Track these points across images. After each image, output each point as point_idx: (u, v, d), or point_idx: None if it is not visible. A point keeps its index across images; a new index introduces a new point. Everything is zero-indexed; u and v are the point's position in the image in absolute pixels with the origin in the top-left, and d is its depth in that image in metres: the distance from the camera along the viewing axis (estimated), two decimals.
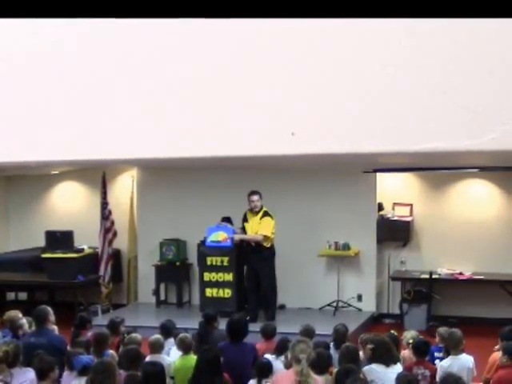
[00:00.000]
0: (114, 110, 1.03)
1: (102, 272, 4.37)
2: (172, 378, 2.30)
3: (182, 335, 2.41)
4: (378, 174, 4.09)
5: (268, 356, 2.28)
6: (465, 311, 4.04)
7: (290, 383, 1.83)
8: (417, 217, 4.23)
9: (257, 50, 0.94)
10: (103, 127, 1.05)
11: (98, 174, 4.40)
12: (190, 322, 3.30)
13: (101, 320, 3.58)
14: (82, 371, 2.04)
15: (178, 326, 2.78)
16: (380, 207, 4.23)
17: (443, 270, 4.04)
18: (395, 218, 4.18)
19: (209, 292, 3.93)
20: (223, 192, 4.28)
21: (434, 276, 3.95)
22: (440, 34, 0.87)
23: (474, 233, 4.11)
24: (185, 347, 2.36)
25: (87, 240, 4.36)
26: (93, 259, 4.36)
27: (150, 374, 1.94)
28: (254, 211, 3.81)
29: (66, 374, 2.17)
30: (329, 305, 4.12)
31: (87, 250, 4.35)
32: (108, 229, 4.41)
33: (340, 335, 2.50)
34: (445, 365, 2.23)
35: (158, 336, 2.51)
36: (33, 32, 1.04)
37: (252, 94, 0.95)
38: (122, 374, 2.01)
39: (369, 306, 4.17)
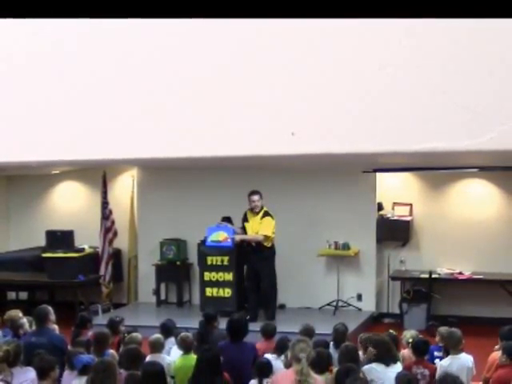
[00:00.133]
0: (113, 110, 1.04)
1: (102, 271, 4.38)
2: (172, 377, 2.31)
3: (183, 334, 2.41)
4: (377, 174, 4.10)
5: (268, 355, 2.29)
6: (464, 311, 4.04)
7: (290, 382, 1.83)
8: (416, 216, 4.24)
9: (257, 50, 0.94)
10: (103, 127, 1.05)
11: (99, 174, 4.40)
12: (191, 322, 3.31)
13: (101, 319, 3.57)
14: (83, 371, 2.04)
15: (178, 326, 2.79)
16: (380, 207, 4.23)
17: (443, 270, 4.05)
18: (395, 218, 4.18)
19: (209, 291, 3.94)
20: (223, 192, 4.28)
21: (433, 275, 3.95)
22: (440, 34, 0.87)
23: (473, 232, 4.12)
24: (186, 346, 2.36)
25: (88, 240, 4.37)
26: (93, 259, 4.37)
27: (150, 374, 1.94)
28: (254, 211, 3.82)
29: (66, 373, 2.17)
30: (329, 304, 4.12)
31: (88, 250, 4.36)
32: (108, 228, 4.41)
33: (340, 335, 2.50)
34: (444, 364, 2.24)
35: (158, 335, 2.51)
36: (33, 32, 1.04)
37: (252, 94, 0.95)
38: (122, 373, 2.02)
39: (368, 305, 4.18)
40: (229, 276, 3.90)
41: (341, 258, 4.14)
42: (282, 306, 4.16)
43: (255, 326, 2.85)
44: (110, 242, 4.42)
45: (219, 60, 0.96)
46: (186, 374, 2.16)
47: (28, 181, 4.80)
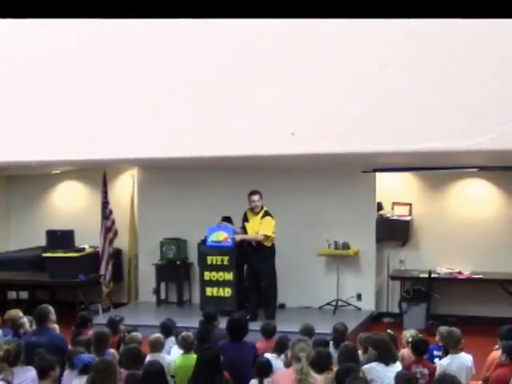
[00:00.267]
0: (113, 110, 1.04)
1: (102, 271, 4.38)
2: (172, 376, 2.31)
3: (184, 334, 2.41)
4: (377, 174, 4.10)
5: (268, 355, 2.29)
6: (464, 310, 4.05)
7: (290, 382, 1.83)
8: (416, 216, 4.24)
9: (257, 50, 0.94)
10: (103, 127, 1.05)
11: (99, 174, 4.40)
12: (191, 321, 3.31)
13: (101, 319, 3.57)
14: (83, 370, 2.05)
15: (178, 325, 2.79)
16: (379, 207, 4.23)
17: (442, 269, 4.06)
18: (394, 218, 4.19)
19: (209, 291, 3.94)
20: (223, 192, 4.28)
21: (433, 275, 3.96)
22: (440, 34, 0.87)
23: (473, 232, 4.12)
24: (186, 346, 2.36)
25: (88, 239, 4.37)
26: (93, 258, 4.37)
27: (150, 373, 1.95)
28: (254, 211, 3.82)
29: (66, 372, 2.17)
30: (328, 304, 4.13)
31: (88, 250, 4.36)
32: (109, 228, 4.41)
33: (339, 334, 2.50)
34: (444, 363, 2.24)
35: (158, 335, 2.51)
36: (33, 32, 1.04)
37: (252, 94, 0.95)
38: (122, 372, 2.02)
39: (368, 305, 4.18)
40: (229, 276, 3.90)
41: (340, 257, 4.14)
42: (282, 306, 4.16)
43: (255, 326, 2.85)
44: (111, 241, 4.42)
45: (219, 60, 0.96)
46: (186, 373, 2.16)
47: (28, 181, 4.80)
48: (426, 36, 0.87)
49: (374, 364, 2.08)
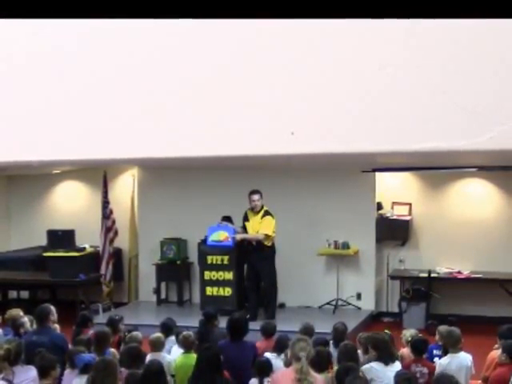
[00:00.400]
0: (113, 110, 1.04)
1: (103, 271, 4.39)
2: (173, 376, 2.32)
3: (185, 333, 2.42)
4: (377, 174, 4.10)
5: (268, 354, 2.30)
6: (463, 310, 4.05)
7: (290, 381, 1.84)
8: (416, 216, 4.25)
9: (257, 50, 0.94)
10: (103, 127, 1.05)
11: (99, 174, 4.41)
12: (191, 321, 3.32)
13: (102, 318, 3.58)
14: (84, 369, 2.05)
15: (178, 325, 2.80)
16: (379, 206, 4.24)
17: (442, 269, 4.06)
18: (394, 217, 4.20)
19: (209, 290, 3.95)
20: (223, 191, 4.29)
21: (432, 275, 3.97)
22: (440, 33, 0.87)
23: (472, 232, 4.13)
24: (187, 345, 2.37)
25: (88, 239, 4.37)
26: (94, 258, 4.38)
27: (150, 373, 1.95)
28: (254, 210, 3.82)
29: (67, 372, 2.18)
30: (328, 303, 4.13)
31: (88, 249, 4.36)
32: (109, 228, 4.42)
33: (339, 333, 2.51)
34: (443, 363, 2.25)
35: (158, 334, 2.52)
36: (33, 32, 1.04)
37: (252, 94, 0.95)
38: (123, 372, 2.03)
39: (368, 304, 4.19)
40: (229, 275, 3.91)
41: (340, 257, 4.15)
42: (282, 305, 4.17)
43: (255, 325, 2.86)
44: (111, 241, 4.43)
45: (219, 60, 0.96)
46: (186, 372, 2.17)
47: (29, 180, 4.80)
48: (426, 36, 0.87)
49: (373, 364, 2.08)
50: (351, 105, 0.91)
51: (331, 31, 0.90)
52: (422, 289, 4.01)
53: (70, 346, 2.40)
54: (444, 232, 4.17)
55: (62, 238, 4.20)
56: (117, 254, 4.57)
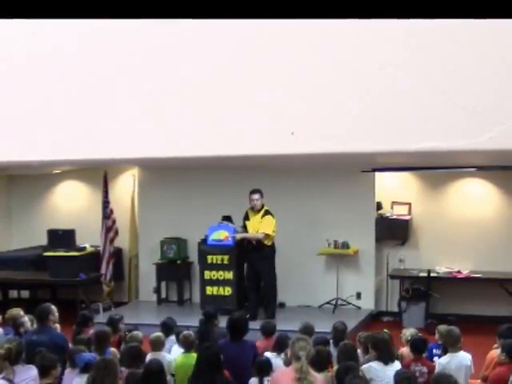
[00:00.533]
0: (113, 110, 1.04)
1: (103, 270, 4.39)
2: (173, 375, 2.32)
3: (185, 332, 2.42)
4: (376, 174, 4.10)
5: (268, 354, 2.30)
6: (463, 309, 4.05)
7: (290, 380, 1.84)
8: (415, 216, 4.25)
9: (257, 50, 0.94)
10: (103, 127, 1.05)
11: (100, 174, 4.40)
12: (191, 320, 3.32)
13: (102, 318, 3.59)
14: (84, 369, 2.05)
15: (178, 324, 2.80)
16: (379, 206, 4.24)
17: (441, 269, 4.07)
18: (394, 217, 4.20)
19: (209, 290, 3.95)
20: (223, 191, 4.29)
21: (432, 274, 3.97)
22: (440, 33, 0.87)
23: (472, 231, 4.13)
24: (187, 345, 2.37)
25: (89, 239, 4.37)
26: (94, 258, 4.38)
27: (150, 372, 1.95)
28: (254, 210, 3.82)
29: (67, 371, 2.18)
30: (328, 303, 4.14)
31: (89, 249, 4.36)
32: (109, 227, 4.42)
33: (339, 333, 2.51)
34: (443, 362, 2.25)
35: (158, 334, 2.52)
36: (33, 32, 1.04)
37: (252, 94, 0.95)
38: (123, 371, 2.03)
39: (368, 303, 4.19)
40: (229, 275, 3.91)
41: (340, 256, 4.15)
42: (282, 305, 4.18)
43: (255, 325, 2.86)
44: (111, 241, 4.43)
45: (219, 60, 0.96)
46: (186, 372, 2.17)
47: (29, 180, 4.80)
48: (426, 36, 0.87)
49: (372, 363, 2.08)
50: (351, 105, 0.91)
51: (331, 31, 0.90)
52: (421, 288, 4.02)
53: (70, 346, 2.39)
54: (443, 232, 4.17)
55: (62, 237, 4.20)
56: (117, 254, 4.57)
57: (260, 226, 3.79)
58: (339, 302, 4.11)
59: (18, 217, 4.93)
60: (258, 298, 3.88)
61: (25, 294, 4.61)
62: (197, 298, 4.21)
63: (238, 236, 3.86)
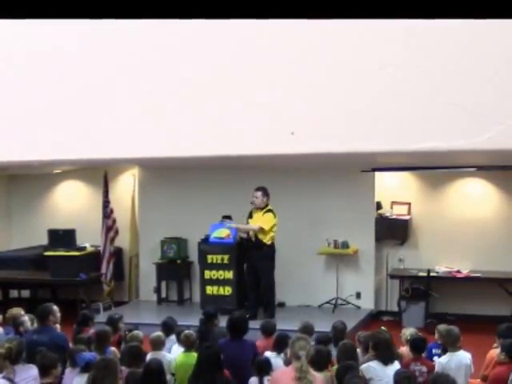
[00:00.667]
0: (113, 110, 1.04)
1: (103, 270, 4.39)
2: (173, 374, 2.32)
3: (187, 332, 2.42)
4: (376, 173, 4.10)
5: (268, 353, 2.30)
6: (462, 309, 4.06)
7: (290, 380, 1.84)
8: (415, 215, 4.25)
9: (257, 50, 0.94)
10: (103, 127, 1.05)
11: (100, 173, 4.41)
12: (191, 320, 3.32)
13: (102, 317, 3.58)
14: (85, 368, 2.06)
15: (178, 324, 2.80)
16: (378, 206, 4.24)
17: (441, 268, 4.07)
18: (393, 217, 4.20)
19: (209, 290, 3.96)
20: (223, 191, 4.29)
21: (431, 274, 3.97)
22: (440, 33, 0.87)
23: (471, 231, 4.13)
24: (188, 344, 2.37)
25: (89, 238, 4.37)
26: (95, 257, 4.38)
27: (150, 371, 1.96)
28: (255, 207, 3.82)
29: (67, 370, 2.18)
30: (328, 302, 4.14)
31: (89, 249, 4.37)
32: (110, 227, 4.42)
33: (339, 332, 2.51)
34: (442, 361, 2.25)
35: (159, 333, 2.53)
36: (33, 32, 1.04)
37: (252, 94, 0.95)
38: (123, 370, 2.03)
39: (367, 303, 4.20)
40: (229, 274, 3.92)
41: (340, 256, 4.15)
42: (282, 304, 4.18)
43: (255, 324, 2.87)
44: (112, 240, 4.43)
45: (219, 60, 0.96)
46: (186, 371, 2.17)
47: (30, 180, 4.80)
48: (426, 36, 0.88)
49: (372, 363, 2.08)
50: (351, 105, 0.91)
51: (331, 31, 0.90)
52: (421, 288, 4.02)
53: (70, 345, 2.40)
54: (443, 231, 4.17)
55: (62, 237, 4.20)
56: (117, 254, 4.57)
57: (259, 222, 3.78)
58: (339, 301, 4.11)
59: (18, 216, 4.93)
60: (258, 298, 3.88)
61: (25, 293, 4.61)
62: (197, 297, 4.22)
63: (234, 225, 3.84)
